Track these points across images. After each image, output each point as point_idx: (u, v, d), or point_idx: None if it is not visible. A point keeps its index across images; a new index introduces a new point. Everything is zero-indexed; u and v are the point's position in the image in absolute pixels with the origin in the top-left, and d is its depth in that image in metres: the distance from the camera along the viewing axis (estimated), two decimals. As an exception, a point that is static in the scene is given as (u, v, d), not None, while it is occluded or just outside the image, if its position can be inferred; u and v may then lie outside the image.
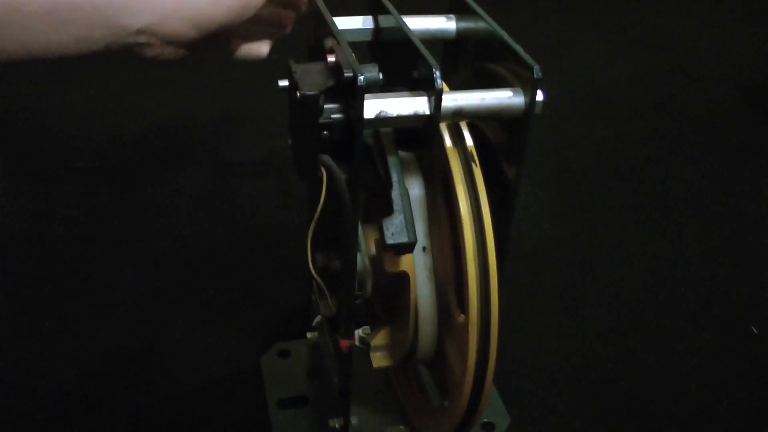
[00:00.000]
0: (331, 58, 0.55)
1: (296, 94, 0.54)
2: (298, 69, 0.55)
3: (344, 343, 0.63)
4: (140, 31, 0.54)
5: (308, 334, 0.80)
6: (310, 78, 0.54)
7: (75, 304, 0.95)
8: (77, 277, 0.98)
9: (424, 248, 0.63)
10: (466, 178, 0.59)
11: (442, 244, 0.63)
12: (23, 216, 1.08)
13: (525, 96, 0.57)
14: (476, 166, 0.59)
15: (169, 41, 0.55)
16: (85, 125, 1.29)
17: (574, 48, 1.63)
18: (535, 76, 0.55)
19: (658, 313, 0.98)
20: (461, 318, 0.61)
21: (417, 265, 0.63)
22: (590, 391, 0.87)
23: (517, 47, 0.57)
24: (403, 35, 0.59)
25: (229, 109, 1.35)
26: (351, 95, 0.53)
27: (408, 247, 0.59)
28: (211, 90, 1.40)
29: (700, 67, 1.58)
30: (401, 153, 0.61)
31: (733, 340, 0.94)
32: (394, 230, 0.58)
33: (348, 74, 0.52)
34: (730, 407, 0.86)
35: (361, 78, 0.51)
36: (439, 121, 0.56)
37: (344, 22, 0.65)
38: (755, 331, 0.96)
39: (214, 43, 0.60)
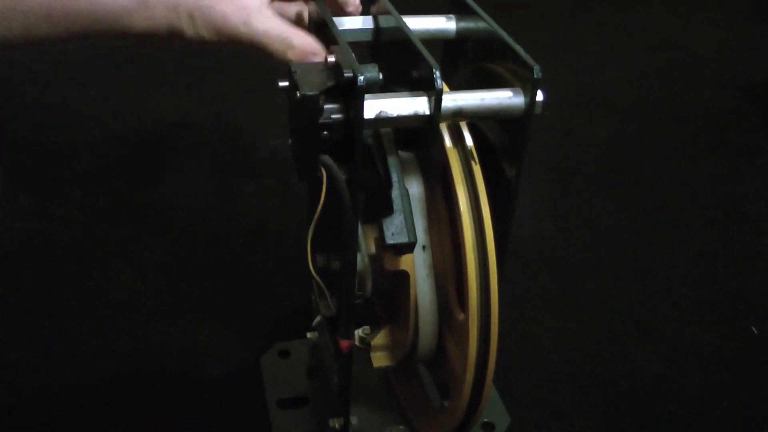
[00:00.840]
0: (331, 58, 0.55)
1: (296, 94, 0.54)
2: (298, 69, 0.55)
3: (344, 344, 0.63)
4: (145, 33, 0.57)
5: (308, 334, 0.80)
6: (310, 78, 0.54)
7: (75, 304, 0.94)
8: (77, 277, 0.98)
9: (423, 247, 0.63)
10: (465, 176, 0.59)
11: (442, 243, 0.63)
12: (23, 216, 1.08)
13: (525, 96, 0.57)
14: (476, 164, 0.59)
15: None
16: (85, 125, 1.29)
17: (574, 48, 1.63)
18: (535, 76, 0.55)
19: (658, 313, 0.98)
20: (461, 316, 0.61)
21: (417, 264, 0.63)
22: (590, 391, 0.87)
23: (517, 47, 0.57)
24: (403, 35, 0.59)
25: (229, 109, 1.35)
26: (351, 95, 0.53)
27: (408, 247, 0.59)
28: (211, 90, 1.40)
29: (700, 67, 1.58)
30: (401, 153, 0.61)
31: (733, 340, 0.94)
32: (394, 230, 0.58)
33: (348, 74, 0.52)
34: (730, 407, 0.86)
35: (361, 78, 0.51)
36: (439, 122, 0.56)
37: (344, 22, 0.65)
38: (755, 331, 0.96)
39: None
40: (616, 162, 1.28)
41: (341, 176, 0.55)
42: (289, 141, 0.60)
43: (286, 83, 0.58)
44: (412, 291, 0.63)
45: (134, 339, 0.90)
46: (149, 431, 0.81)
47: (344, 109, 0.54)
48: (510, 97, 0.57)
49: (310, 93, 0.53)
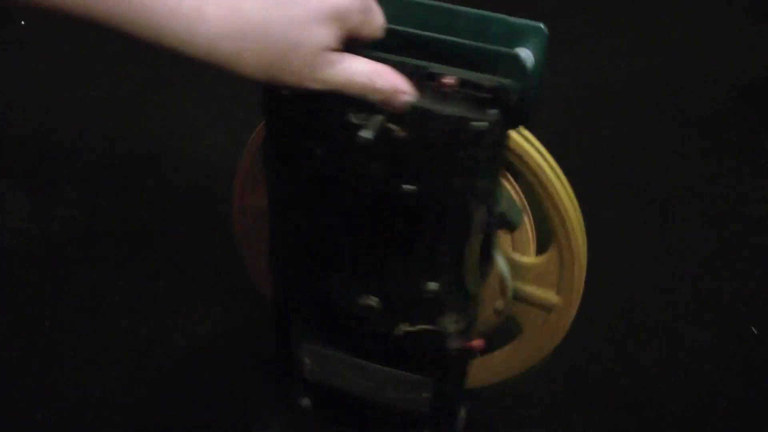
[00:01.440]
0: (450, 80, 0.49)
1: (465, 128, 0.48)
2: (419, 105, 0.48)
3: (478, 343, 0.62)
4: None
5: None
6: (458, 109, 0.48)
7: (75, 304, 0.95)
8: (77, 277, 0.98)
9: None
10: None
11: None
12: (23, 216, 1.08)
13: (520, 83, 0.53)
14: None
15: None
16: (85, 125, 1.29)
17: (575, 48, 1.63)
18: (526, 63, 0.51)
19: (658, 313, 0.98)
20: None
21: None
22: (589, 391, 0.87)
23: (480, 44, 0.51)
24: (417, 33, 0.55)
25: (229, 109, 1.35)
26: (507, 109, 0.49)
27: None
28: (211, 90, 1.40)
29: (700, 67, 1.58)
30: None
31: (733, 340, 0.94)
32: (509, 210, 0.61)
33: (496, 85, 0.48)
34: (730, 407, 0.86)
35: (517, 87, 0.48)
36: None
37: None
38: (755, 331, 0.95)
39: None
40: (616, 162, 1.28)
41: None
42: (410, 187, 0.51)
43: (370, 134, 0.48)
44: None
45: (134, 339, 0.90)
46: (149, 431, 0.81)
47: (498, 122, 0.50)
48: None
49: (483, 125, 0.47)
